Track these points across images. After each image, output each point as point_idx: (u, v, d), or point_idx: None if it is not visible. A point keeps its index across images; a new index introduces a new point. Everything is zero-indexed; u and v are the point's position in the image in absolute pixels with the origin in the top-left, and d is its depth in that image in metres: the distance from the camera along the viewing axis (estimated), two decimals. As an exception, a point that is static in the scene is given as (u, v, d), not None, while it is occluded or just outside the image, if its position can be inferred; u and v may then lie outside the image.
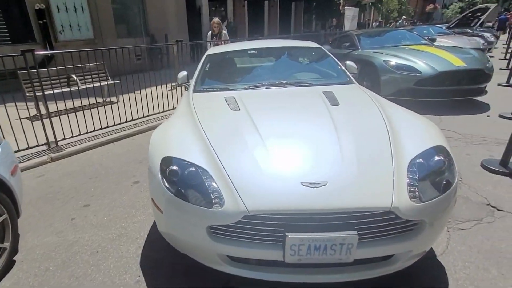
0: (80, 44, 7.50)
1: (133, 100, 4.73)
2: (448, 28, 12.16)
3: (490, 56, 11.21)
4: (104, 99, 5.26)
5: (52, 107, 3.57)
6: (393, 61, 4.60)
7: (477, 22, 11.85)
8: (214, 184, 1.27)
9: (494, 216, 1.92)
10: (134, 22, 10.22)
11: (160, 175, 1.35)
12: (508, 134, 2.60)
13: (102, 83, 5.17)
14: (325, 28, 22.25)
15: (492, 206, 2.01)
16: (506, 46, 10.33)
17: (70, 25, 7.41)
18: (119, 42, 8.95)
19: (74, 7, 7.40)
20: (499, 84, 6.10)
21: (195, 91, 2.27)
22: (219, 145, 1.43)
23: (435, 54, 4.60)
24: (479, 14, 11.57)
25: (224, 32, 5.73)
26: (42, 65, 5.22)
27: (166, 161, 1.39)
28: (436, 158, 1.36)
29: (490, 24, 21.70)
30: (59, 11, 7.04)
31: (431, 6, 39.78)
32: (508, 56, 8.87)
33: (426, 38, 6.51)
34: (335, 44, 6.78)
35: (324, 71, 2.51)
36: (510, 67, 6.06)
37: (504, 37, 14.52)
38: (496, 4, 12.37)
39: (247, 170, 1.30)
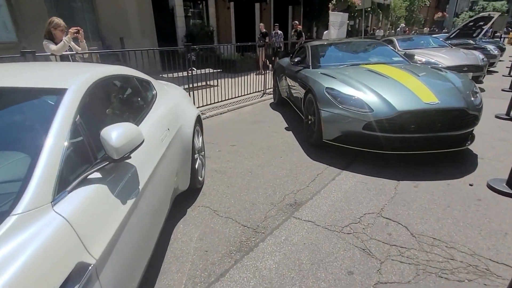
0: (-1, 49, 6.21)
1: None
2: (448, 38, 10.71)
3: (493, 72, 9.72)
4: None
5: None
6: (338, 89, 3.17)
7: (479, 33, 10.37)
8: None
9: None
10: (79, 22, 8.90)
11: None
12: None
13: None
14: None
15: None
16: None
17: (-24, 25, 6.12)
18: (57, 46, 7.66)
19: (-18, 3, 6.11)
20: (497, 116, 4.64)
21: None
22: None
23: (400, 82, 3.15)
24: (482, 23, 10.06)
25: (83, 43, 3.74)
26: None
27: None
28: None
29: (498, 35, 20.21)
30: (-45, 8, 5.75)
31: (439, 14, 38.25)
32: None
33: (404, 52, 5.11)
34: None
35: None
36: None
37: None
38: (500, 13, 10.84)
39: None
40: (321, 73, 3.72)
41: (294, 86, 4.50)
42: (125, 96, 1.81)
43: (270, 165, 3.10)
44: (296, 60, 4.52)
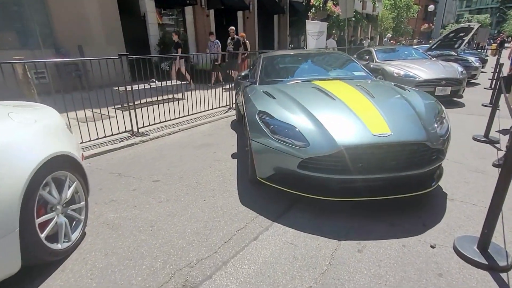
0: None
1: None
2: (429, 49, 10.36)
3: (475, 84, 9.32)
4: None
5: None
6: (273, 114, 2.50)
7: (460, 44, 10.04)
8: None
9: None
10: (29, 29, 8.16)
11: None
12: None
13: None
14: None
15: None
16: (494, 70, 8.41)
17: None
18: (1, 54, 6.88)
19: None
20: (474, 138, 4.07)
21: None
22: None
23: (348, 106, 2.52)
24: (462, 34, 9.74)
25: None
26: None
27: None
28: None
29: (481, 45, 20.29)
30: None
31: (426, 25, 38.84)
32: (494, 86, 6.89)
33: (370, 65, 4.55)
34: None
35: None
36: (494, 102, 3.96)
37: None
38: (480, 24, 10.58)
39: None
40: (263, 91, 3.07)
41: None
42: None
43: (185, 214, 2.40)
44: (243, 74, 3.89)
